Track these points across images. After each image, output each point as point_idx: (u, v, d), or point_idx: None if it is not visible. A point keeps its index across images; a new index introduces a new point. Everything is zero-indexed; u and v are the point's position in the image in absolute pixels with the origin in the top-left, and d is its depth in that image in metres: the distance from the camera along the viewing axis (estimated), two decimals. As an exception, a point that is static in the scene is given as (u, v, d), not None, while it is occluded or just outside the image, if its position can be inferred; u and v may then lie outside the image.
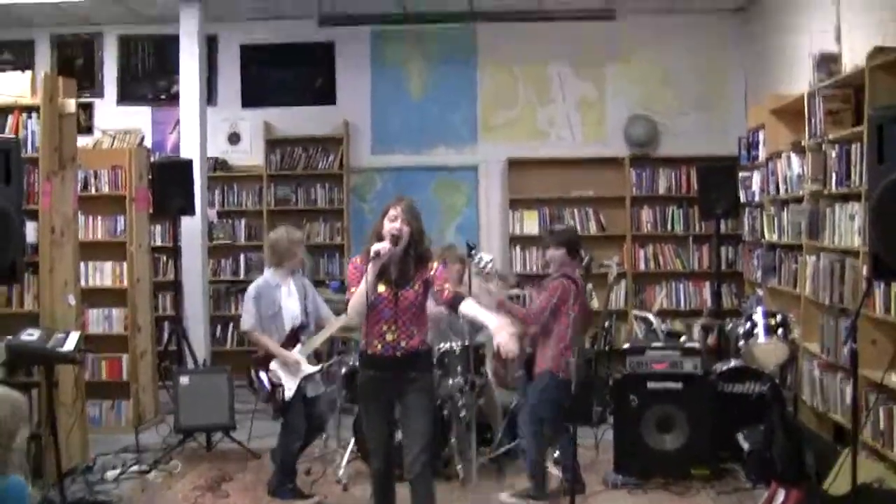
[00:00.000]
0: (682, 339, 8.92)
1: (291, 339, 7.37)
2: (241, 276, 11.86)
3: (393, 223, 5.69)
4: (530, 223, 11.93)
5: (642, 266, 11.77)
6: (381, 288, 5.74)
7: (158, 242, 11.44)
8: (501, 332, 5.47)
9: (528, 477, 7.17)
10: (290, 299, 7.41)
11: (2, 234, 6.03)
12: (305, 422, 7.36)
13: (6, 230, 6.04)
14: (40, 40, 12.39)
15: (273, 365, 7.31)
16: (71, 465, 7.51)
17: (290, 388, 7.26)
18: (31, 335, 6.64)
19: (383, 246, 5.63)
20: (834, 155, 7.44)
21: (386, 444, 5.95)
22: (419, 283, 5.81)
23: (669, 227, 11.72)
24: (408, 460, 5.77)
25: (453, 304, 5.76)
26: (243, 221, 12.19)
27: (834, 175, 7.44)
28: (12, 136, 7.17)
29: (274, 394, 7.29)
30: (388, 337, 5.73)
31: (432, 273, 5.81)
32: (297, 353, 7.33)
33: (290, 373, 7.29)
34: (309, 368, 7.36)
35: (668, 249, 11.75)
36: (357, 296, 5.72)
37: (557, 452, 7.70)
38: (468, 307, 5.72)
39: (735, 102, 11.42)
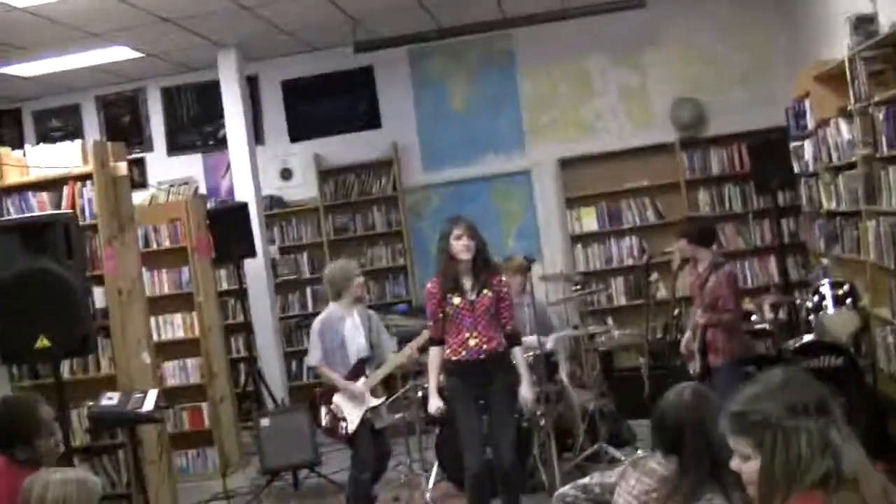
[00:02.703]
0: (753, 318, 8.86)
1: (357, 371, 7.39)
2: (310, 309, 11.87)
3: (459, 241, 6.23)
4: (588, 220, 11.90)
5: (705, 248, 11.55)
6: (457, 300, 6.27)
7: (224, 286, 11.52)
8: (528, 392, 6.48)
9: None
10: (354, 331, 7.43)
11: (70, 310, 6.10)
12: (374, 452, 7.41)
13: (74, 305, 6.13)
14: (86, 103, 12.59)
15: (336, 398, 7.35)
16: (163, 520, 7.64)
17: (352, 420, 7.29)
18: (110, 399, 6.77)
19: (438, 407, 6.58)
20: (881, 117, 7.32)
21: (480, 439, 6.35)
22: (491, 290, 6.31)
23: (727, 206, 11.53)
24: (500, 452, 6.29)
25: (509, 340, 6.42)
26: (305, 255, 12.28)
27: (884, 138, 7.35)
28: (68, 210, 7.29)
29: (336, 428, 7.36)
30: (471, 343, 6.27)
31: (504, 290, 6.39)
32: (361, 385, 7.36)
33: (354, 405, 7.32)
34: (373, 401, 7.37)
35: (729, 229, 11.54)
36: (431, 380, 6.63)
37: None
38: (517, 354, 6.47)
39: (778, 73, 11.17)
